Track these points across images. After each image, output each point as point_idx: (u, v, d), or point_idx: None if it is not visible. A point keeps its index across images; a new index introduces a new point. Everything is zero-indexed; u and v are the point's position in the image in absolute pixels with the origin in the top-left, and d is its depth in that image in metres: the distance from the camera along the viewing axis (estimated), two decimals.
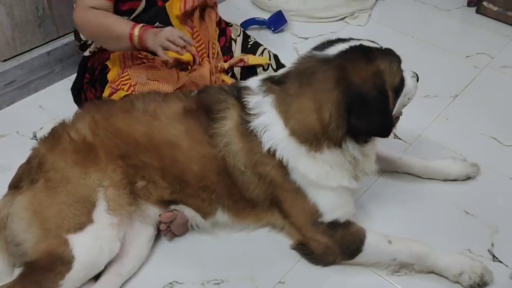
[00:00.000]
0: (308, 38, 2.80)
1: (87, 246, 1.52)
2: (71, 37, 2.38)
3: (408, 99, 1.71)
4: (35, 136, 2.16)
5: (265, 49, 2.24)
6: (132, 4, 1.99)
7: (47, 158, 1.61)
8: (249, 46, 2.25)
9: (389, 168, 1.99)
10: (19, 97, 2.31)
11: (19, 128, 2.20)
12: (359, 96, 1.49)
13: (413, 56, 2.64)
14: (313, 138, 1.55)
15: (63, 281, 1.49)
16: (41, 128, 2.18)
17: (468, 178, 2.00)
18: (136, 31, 1.82)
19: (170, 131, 1.63)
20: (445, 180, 1.99)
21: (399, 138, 2.17)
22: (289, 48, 2.72)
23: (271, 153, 1.58)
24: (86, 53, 2.14)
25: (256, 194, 1.66)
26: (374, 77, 1.52)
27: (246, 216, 1.73)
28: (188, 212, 1.72)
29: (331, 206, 1.64)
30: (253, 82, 1.69)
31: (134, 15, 2.00)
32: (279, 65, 2.20)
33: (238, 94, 1.66)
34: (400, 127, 2.17)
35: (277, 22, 2.81)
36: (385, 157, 1.94)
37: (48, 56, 2.34)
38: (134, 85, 1.93)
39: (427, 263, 1.64)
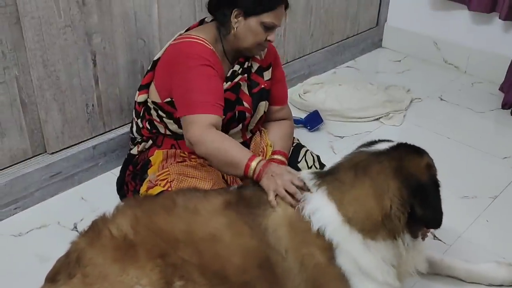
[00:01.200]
0: (343, 137, 2.86)
1: None
2: (116, 132, 2.49)
3: None
4: (75, 227, 2.20)
5: (307, 151, 2.29)
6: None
7: (85, 253, 1.61)
8: (292, 147, 2.30)
9: (430, 270, 1.93)
10: (62, 188, 2.38)
11: (61, 218, 2.24)
12: (420, 186, 1.54)
13: (450, 157, 2.68)
14: (371, 227, 1.54)
15: None
16: (81, 220, 2.21)
17: None
18: (254, 164, 1.74)
19: (210, 225, 1.64)
20: (490, 285, 1.92)
21: (439, 239, 2.13)
22: (325, 146, 2.77)
23: (319, 235, 1.56)
24: (134, 151, 2.23)
25: (297, 283, 1.61)
26: (427, 168, 1.59)
27: None
28: None
29: None
30: (302, 176, 1.71)
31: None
32: (321, 165, 2.24)
33: None
34: (440, 228, 2.15)
35: (313, 121, 2.89)
36: (426, 259, 1.90)
37: (94, 150, 2.44)
38: (171, 182, 1.97)
39: None
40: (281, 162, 2.11)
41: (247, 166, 1.75)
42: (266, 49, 2.15)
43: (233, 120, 2.07)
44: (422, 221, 1.58)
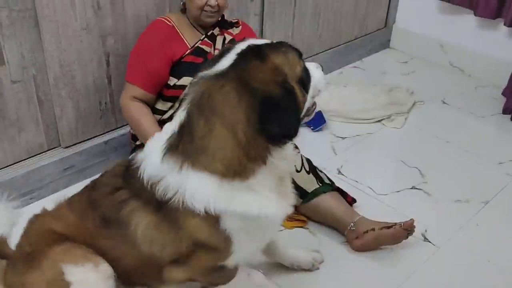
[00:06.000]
0: (345, 137, 2.96)
1: None
2: (126, 128, 2.62)
3: (319, 90, 1.57)
4: None
5: (298, 153, 2.39)
6: (174, 92, 2.27)
7: None
8: None
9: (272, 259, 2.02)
10: (75, 181, 2.52)
11: None
12: (265, 100, 1.33)
13: (447, 161, 2.78)
14: (241, 168, 1.38)
15: None
16: None
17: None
18: None
19: None
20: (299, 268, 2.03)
21: (428, 241, 2.24)
22: (326, 146, 2.88)
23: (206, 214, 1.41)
24: (138, 143, 2.38)
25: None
26: (273, 74, 1.37)
27: None
28: None
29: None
30: (152, 160, 1.46)
31: (176, 102, 2.27)
32: (312, 168, 2.33)
33: (137, 186, 1.48)
34: (430, 230, 2.27)
35: (316, 121, 2.98)
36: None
37: (105, 145, 2.57)
38: None
39: None
40: None
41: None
42: (237, 27, 2.42)
43: None
44: (276, 135, 1.38)
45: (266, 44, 1.45)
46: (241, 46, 1.44)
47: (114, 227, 1.52)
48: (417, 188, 2.57)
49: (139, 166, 1.48)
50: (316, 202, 2.21)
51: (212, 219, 1.43)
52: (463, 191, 2.54)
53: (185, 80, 2.26)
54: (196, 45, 2.30)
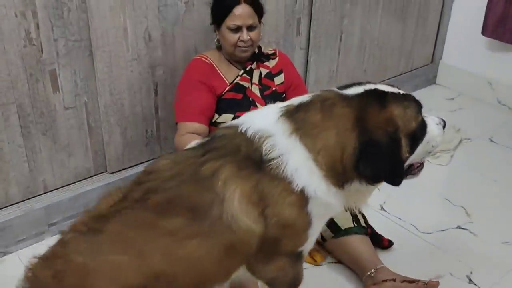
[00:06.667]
0: None
1: None
2: None
3: (433, 146, 1.62)
4: None
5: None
6: (215, 129, 2.23)
7: None
8: None
9: None
10: None
11: None
12: (370, 142, 1.44)
13: (494, 200, 2.70)
14: (337, 177, 1.48)
15: None
16: None
17: None
18: None
19: None
20: None
21: (474, 283, 2.17)
22: None
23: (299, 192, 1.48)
24: None
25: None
26: (386, 123, 1.46)
27: None
28: None
29: None
30: (260, 120, 1.54)
31: None
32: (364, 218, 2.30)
33: (229, 148, 1.50)
34: (475, 272, 2.20)
35: None
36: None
37: None
38: None
39: None
40: None
41: None
42: (271, 59, 2.42)
43: None
44: (366, 177, 1.48)
45: (392, 93, 1.52)
46: (369, 86, 1.54)
47: (201, 213, 1.44)
48: (462, 228, 2.50)
49: (233, 130, 1.53)
50: (345, 240, 2.17)
51: (303, 201, 1.48)
52: (511, 233, 2.46)
53: (225, 117, 2.29)
54: (235, 81, 2.33)
